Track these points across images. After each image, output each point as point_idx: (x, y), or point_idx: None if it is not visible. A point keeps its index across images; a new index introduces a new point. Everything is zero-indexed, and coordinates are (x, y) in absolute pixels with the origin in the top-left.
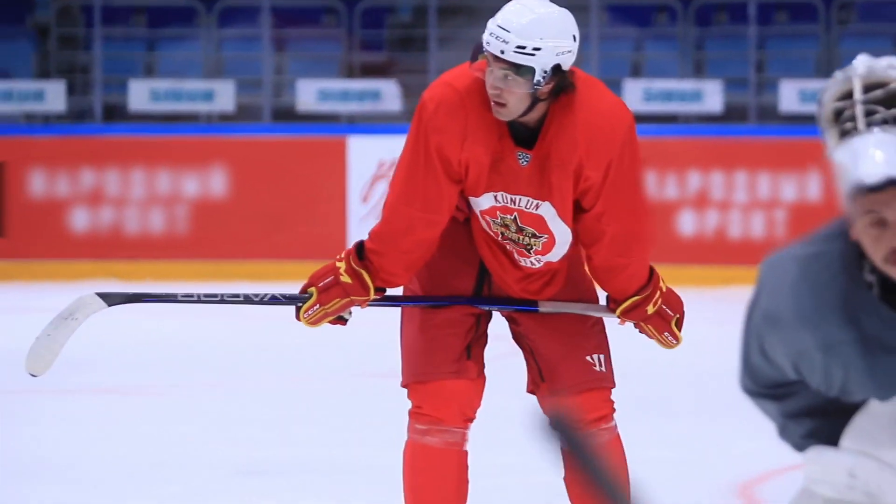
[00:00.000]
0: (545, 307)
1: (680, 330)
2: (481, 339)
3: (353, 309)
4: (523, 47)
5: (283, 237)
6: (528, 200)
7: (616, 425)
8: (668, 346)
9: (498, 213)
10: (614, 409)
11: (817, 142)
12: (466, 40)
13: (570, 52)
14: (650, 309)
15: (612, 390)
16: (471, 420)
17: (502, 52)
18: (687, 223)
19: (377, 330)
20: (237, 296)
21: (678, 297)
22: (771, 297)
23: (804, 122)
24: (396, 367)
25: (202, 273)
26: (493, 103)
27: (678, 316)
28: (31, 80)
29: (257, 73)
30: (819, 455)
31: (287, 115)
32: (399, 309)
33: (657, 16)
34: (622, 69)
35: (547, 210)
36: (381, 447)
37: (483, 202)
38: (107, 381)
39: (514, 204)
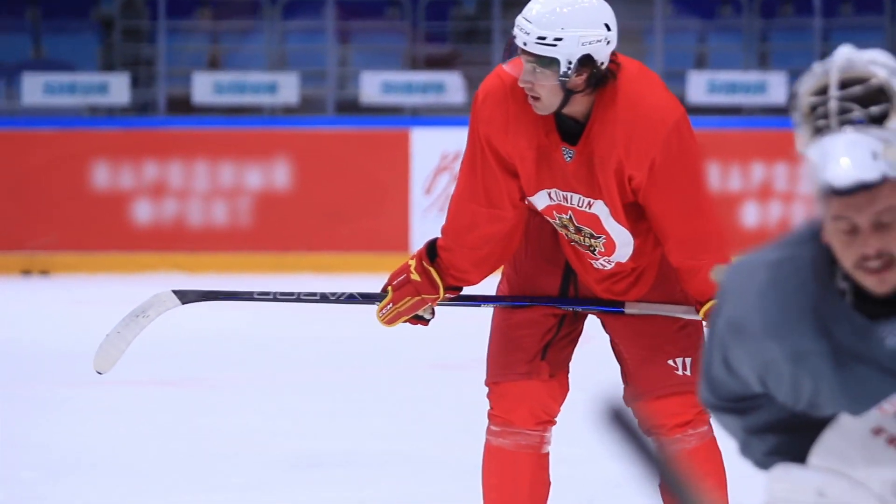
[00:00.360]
0: (631, 308)
1: None
2: (564, 340)
3: (437, 308)
4: (544, 38)
5: (346, 229)
6: (580, 198)
7: (709, 430)
8: None
9: (554, 212)
10: (704, 414)
11: None
12: None
13: (599, 41)
14: None
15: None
16: (545, 422)
17: (525, 45)
18: (751, 215)
19: (439, 321)
20: (314, 294)
21: None
22: (736, 304)
23: None
24: (456, 358)
25: (265, 265)
26: (529, 97)
27: None
28: (95, 72)
29: (321, 65)
30: (786, 473)
31: (351, 108)
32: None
33: (721, 7)
34: (686, 61)
35: (601, 209)
36: (440, 439)
37: (538, 201)
38: (163, 374)
39: (568, 202)
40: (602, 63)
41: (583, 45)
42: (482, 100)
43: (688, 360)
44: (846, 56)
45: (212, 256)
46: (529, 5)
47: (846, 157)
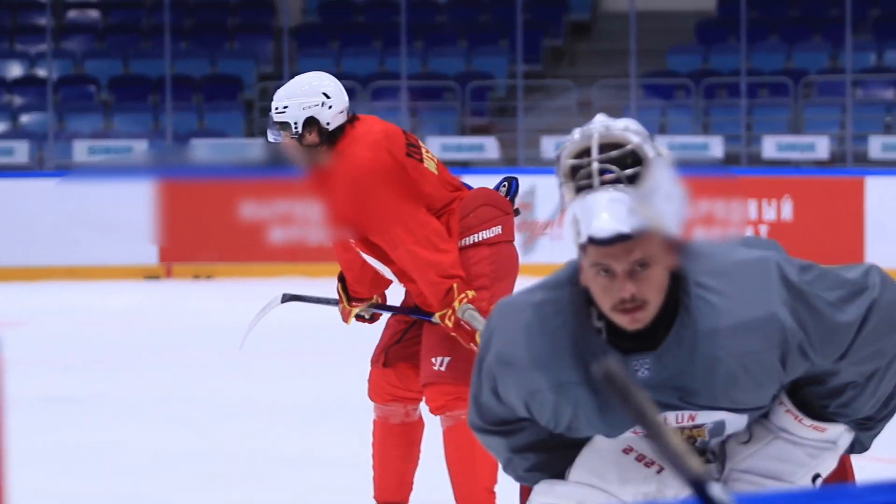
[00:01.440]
0: (436, 318)
1: None
2: (411, 340)
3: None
4: (277, 108)
5: None
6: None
7: (462, 415)
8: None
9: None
10: (459, 401)
11: (791, 179)
12: (545, 109)
13: (318, 105)
14: (448, 322)
15: (457, 387)
16: (393, 400)
17: (273, 117)
18: None
19: None
20: (330, 300)
21: (480, 314)
22: (504, 340)
23: (780, 165)
24: None
25: None
26: None
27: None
28: (241, 138)
29: None
30: (549, 487)
31: None
32: None
33: (677, 91)
34: (652, 129)
35: (356, 244)
36: None
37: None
38: (290, 348)
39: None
40: (328, 123)
41: (304, 109)
42: None
43: (446, 360)
44: (604, 124)
45: (325, 266)
46: None
47: (606, 211)
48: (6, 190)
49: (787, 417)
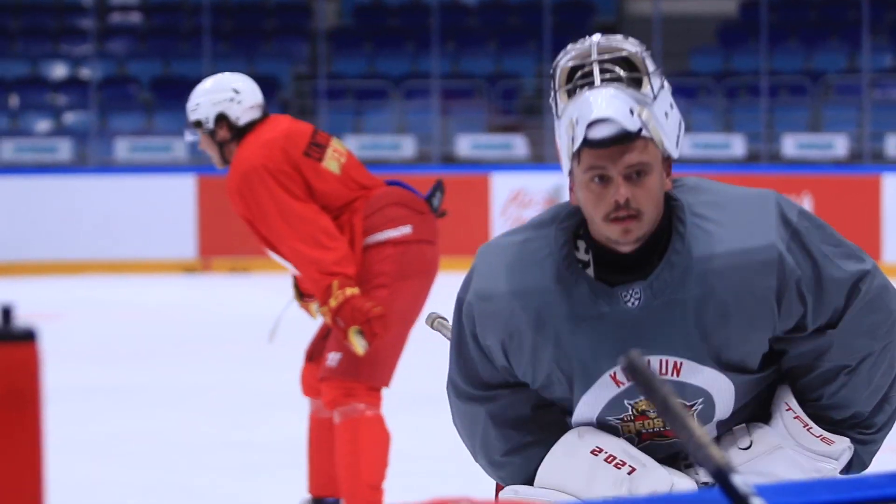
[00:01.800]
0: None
1: (366, 339)
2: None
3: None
4: (190, 106)
5: (449, 237)
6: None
7: (349, 411)
8: (355, 350)
9: None
10: (348, 397)
11: (810, 176)
12: None
13: (228, 100)
14: (327, 319)
15: (346, 382)
16: (316, 394)
17: (189, 117)
18: None
19: None
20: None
21: (355, 311)
22: (484, 277)
23: (800, 163)
24: None
25: None
26: None
27: (356, 327)
28: None
29: (429, 130)
30: (514, 493)
31: (450, 160)
32: None
33: (700, 91)
34: None
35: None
36: None
37: None
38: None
39: None
40: (238, 118)
41: (214, 104)
42: None
43: (338, 356)
44: (601, 35)
45: None
46: None
47: (608, 107)
48: (50, 186)
49: (796, 424)
